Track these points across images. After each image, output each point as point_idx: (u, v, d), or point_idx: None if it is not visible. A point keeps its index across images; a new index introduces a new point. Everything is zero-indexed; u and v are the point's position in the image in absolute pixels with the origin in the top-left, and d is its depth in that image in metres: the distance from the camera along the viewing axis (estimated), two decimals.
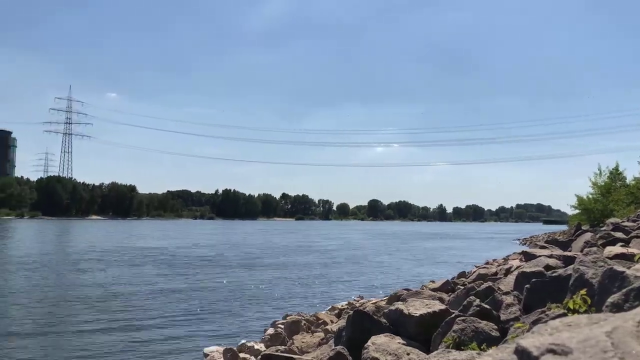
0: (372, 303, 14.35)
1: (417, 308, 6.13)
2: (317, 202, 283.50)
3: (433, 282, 16.55)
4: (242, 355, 10.39)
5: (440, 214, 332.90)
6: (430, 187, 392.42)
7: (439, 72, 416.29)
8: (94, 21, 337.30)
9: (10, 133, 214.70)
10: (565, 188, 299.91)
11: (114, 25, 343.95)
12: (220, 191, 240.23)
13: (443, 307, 6.29)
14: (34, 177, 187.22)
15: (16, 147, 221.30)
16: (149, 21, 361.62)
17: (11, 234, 69.15)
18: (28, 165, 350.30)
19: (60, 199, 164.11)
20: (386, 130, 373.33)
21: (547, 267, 7.32)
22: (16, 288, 22.27)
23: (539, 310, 4.88)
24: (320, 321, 13.13)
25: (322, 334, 10.92)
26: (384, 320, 6.34)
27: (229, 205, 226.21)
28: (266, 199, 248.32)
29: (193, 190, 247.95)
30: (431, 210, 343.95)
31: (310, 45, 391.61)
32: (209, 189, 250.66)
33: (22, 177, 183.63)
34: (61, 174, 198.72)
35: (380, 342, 5.51)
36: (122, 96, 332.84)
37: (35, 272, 27.64)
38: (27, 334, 14.29)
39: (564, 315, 4.11)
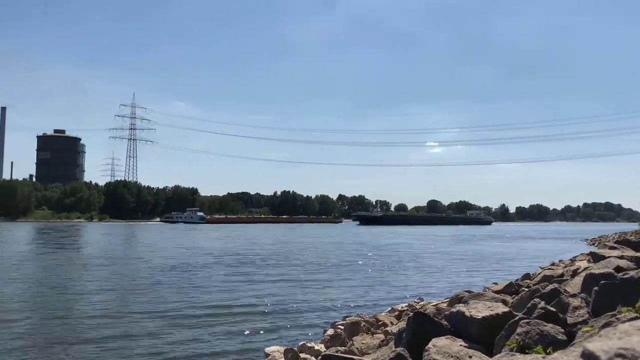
0: (432, 305, 14.17)
1: (479, 310, 6.01)
2: (374, 202, 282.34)
3: (496, 284, 16.14)
4: (302, 355, 10.49)
5: (502, 214, 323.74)
6: (492, 187, 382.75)
7: (499, 72, 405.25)
8: (156, 30, 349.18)
9: (79, 140, 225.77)
10: (638, 186, 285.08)
11: (176, 32, 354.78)
12: (278, 193, 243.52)
13: (506, 309, 6.14)
14: (101, 182, 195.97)
15: (85, 152, 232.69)
16: (209, 28, 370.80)
17: (84, 236, 72.59)
18: (96, 170, 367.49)
19: (126, 202, 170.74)
20: (446, 130, 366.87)
21: (618, 269, 7.01)
22: (92, 281, 23.41)
23: (609, 313, 4.69)
24: (380, 323, 13.07)
25: (382, 336, 10.87)
26: (445, 323, 6.26)
27: (287, 207, 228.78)
28: (323, 200, 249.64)
29: (252, 192, 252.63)
30: (493, 210, 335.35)
31: (368, 48, 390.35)
32: (267, 191, 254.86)
33: (90, 181, 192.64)
34: (127, 178, 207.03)
35: (442, 345, 5.44)
36: (183, 102, 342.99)
37: (109, 270, 28.95)
38: (100, 328, 14.99)
39: (636, 319, 3.94)
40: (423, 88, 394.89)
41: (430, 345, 5.50)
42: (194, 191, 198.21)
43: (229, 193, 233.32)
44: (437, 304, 13.99)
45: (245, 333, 14.95)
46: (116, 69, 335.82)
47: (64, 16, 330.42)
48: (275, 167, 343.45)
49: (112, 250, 46.84)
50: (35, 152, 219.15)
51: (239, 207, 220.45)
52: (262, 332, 15.18)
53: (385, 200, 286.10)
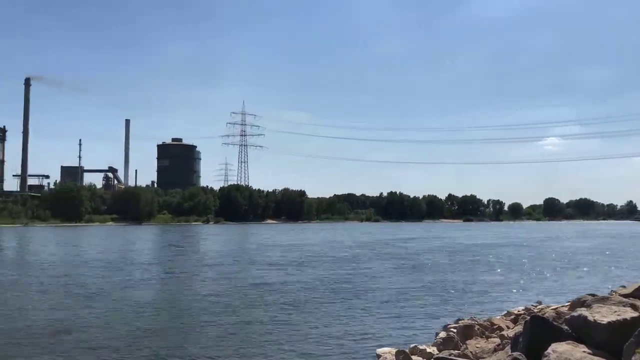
0: (552, 309, 13.44)
1: (604, 315, 5.66)
2: (486, 202, 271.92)
3: (624, 287, 14.96)
4: (414, 357, 10.42)
5: (629, 212, 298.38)
6: (617, 183, 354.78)
7: (620, 64, 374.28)
8: (263, 40, 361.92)
9: (195, 147, 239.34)
10: None
11: (285, 44, 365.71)
12: (385, 194, 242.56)
13: (636, 314, 5.73)
14: (216, 186, 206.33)
15: (200, 159, 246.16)
16: (310, 39, 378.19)
17: (205, 236, 77.04)
18: (211, 175, 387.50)
19: (239, 205, 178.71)
20: (563, 123, 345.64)
21: None
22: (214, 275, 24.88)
23: None
24: (495, 326, 12.64)
25: (497, 340, 10.53)
26: (566, 327, 5.96)
27: (394, 208, 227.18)
28: (431, 201, 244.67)
29: (358, 194, 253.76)
30: (618, 207, 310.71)
31: (475, 47, 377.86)
32: (373, 192, 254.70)
33: (206, 186, 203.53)
34: (239, 182, 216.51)
35: (562, 350, 5.20)
36: (289, 107, 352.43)
37: (225, 267, 30.57)
38: (201, 315, 15.88)
39: None
40: (538, 83, 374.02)
41: (550, 350, 5.28)
42: (302, 193, 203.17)
43: (335, 195, 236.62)
44: (557, 308, 13.25)
45: (357, 333, 15.11)
46: (226, 79, 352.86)
47: (180, 32, 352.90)
48: (380, 168, 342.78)
49: (261, 246, 49.29)
50: (156, 160, 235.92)
51: (345, 209, 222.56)
52: (373, 332, 15.26)
53: (498, 200, 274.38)
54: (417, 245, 59.02)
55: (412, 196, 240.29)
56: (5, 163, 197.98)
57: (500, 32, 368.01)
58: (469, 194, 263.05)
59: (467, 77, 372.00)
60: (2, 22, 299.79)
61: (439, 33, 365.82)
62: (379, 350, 11.72)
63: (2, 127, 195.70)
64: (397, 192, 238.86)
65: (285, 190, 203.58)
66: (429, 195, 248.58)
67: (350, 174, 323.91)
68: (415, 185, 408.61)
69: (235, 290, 23.67)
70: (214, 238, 76.75)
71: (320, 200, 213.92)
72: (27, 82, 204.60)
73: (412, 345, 11.63)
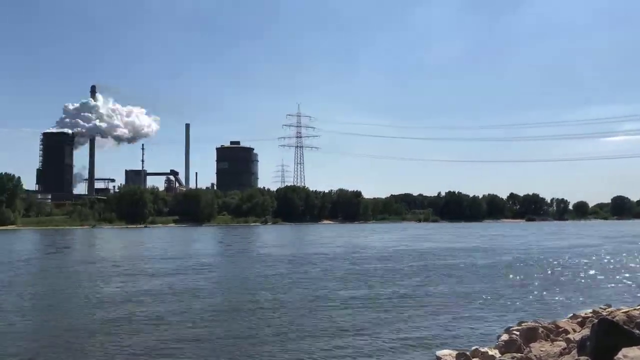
0: (622, 312, 12.86)
1: None
2: (549, 201, 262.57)
3: None
4: None
5: None
6: None
7: None
8: (323, 42, 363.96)
9: (252, 149, 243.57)
10: None
11: (339, 45, 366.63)
12: (443, 193, 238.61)
13: None
14: (273, 187, 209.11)
15: (258, 161, 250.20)
16: (367, 40, 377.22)
17: (261, 236, 78.32)
18: (268, 177, 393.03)
19: (296, 206, 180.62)
20: (632, 118, 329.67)
21: None
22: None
23: None
24: (560, 329, 12.20)
25: (563, 343, 10.16)
26: (638, 332, 5.70)
27: (453, 208, 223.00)
28: (492, 200, 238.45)
29: (415, 194, 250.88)
30: None
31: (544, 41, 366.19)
32: (431, 192, 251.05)
33: (264, 187, 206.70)
34: (295, 183, 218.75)
35: (634, 356, 4.98)
36: (344, 108, 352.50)
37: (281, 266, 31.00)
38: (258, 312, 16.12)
39: None
40: (605, 78, 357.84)
41: (620, 355, 5.07)
42: (357, 194, 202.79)
43: (391, 195, 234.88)
44: (628, 311, 12.67)
45: (416, 335, 14.97)
46: (280, 79, 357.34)
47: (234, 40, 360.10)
48: (439, 168, 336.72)
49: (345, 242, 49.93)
50: (215, 162, 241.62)
51: (402, 209, 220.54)
52: (432, 334, 15.07)
53: (562, 199, 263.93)
54: (500, 246, 57.79)
55: (471, 195, 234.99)
56: (74, 168, 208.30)
57: (563, 30, 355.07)
58: (531, 193, 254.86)
59: (529, 74, 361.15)
60: (70, 32, 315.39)
61: (499, 32, 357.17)
62: (439, 353, 11.55)
63: (71, 133, 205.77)
64: (456, 192, 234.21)
65: (341, 190, 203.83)
66: (489, 194, 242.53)
67: (407, 173, 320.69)
68: (474, 184, 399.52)
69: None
70: (286, 238, 77.89)
71: (376, 201, 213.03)
72: (93, 90, 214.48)
73: (473, 348, 11.40)
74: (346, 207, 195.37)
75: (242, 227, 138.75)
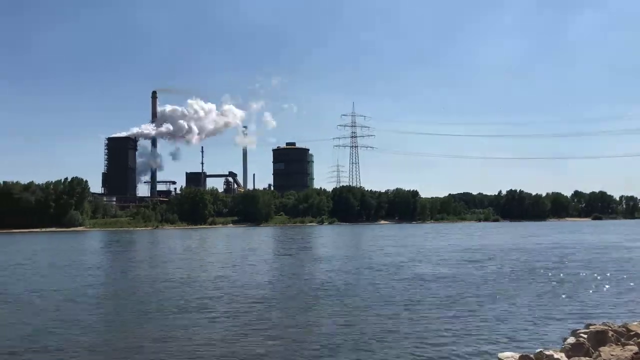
0: None
1: None
2: (617, 199, 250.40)
3: None
4: None
5: None
6: None
7: None
8: (375, 42, 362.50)
9: (307, 150, 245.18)
10: None
11: (405, 47, 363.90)
12: (503, 192, 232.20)
13: None
14: (329, 188, 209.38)
15: (313, 162, 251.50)
16: (426, 38, 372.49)
17: (338, 236, 78.73)
18: (323, 177, 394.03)
19: (352, 206, 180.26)
20: None
21: None
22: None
23: None
24: (632, 333, 11.58)
25: (635, 347, 9.63)
26: None
27: (515, 207, 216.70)
28: (556, 199, 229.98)
29: (474, 192, 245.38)
30: None
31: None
32: (491, 191, 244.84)
33: (320, 188, 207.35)
34: (351, 184, 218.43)
35: None
36: (399, 106, 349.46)
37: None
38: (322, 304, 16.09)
39: None
40: None
41: None
42: (414, 193, 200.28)
43: (450, 194, 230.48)
44: None
45: (478, 336, 14.59)
46: (335, 81, 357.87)
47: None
48: (498, 166, 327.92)
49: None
50: (272, 164, 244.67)
51: (461, 208, 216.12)
52: (495, 336, 14.65)
53: (632, 196, 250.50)
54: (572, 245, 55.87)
55: (534, 194, 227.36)
56: (137, 171, 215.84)
57: (630, 25, 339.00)
58: (597, 191, 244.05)
59: (595, 70, 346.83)
60: (141, 37, 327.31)
61: (565, 30, 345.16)
62: (501, 355, 11.22)
63: (134, 137, 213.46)
64: (517, 190, 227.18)
65: (397, 190, 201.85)
66: (552, 192, 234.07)
67: (466, 172, 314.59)
68: (535, 183, 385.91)
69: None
70: (350, 238, 78.09)
71: (434, 200, 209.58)
72: (154, 95, 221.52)
73: (537, 350, 10.99)
74: (403, 206, 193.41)
75: (302, 227, 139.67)
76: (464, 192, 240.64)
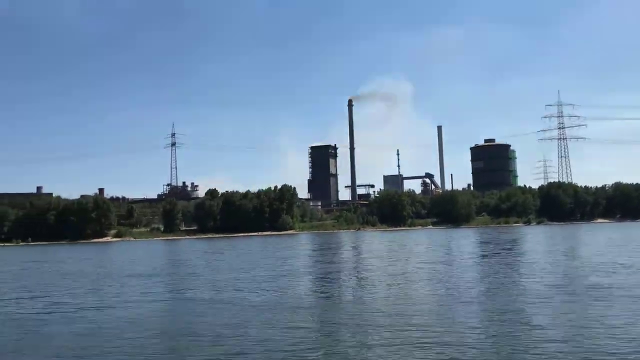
0: None
1: None
2: None
3: None
4: None
5: None
6: None
7: None
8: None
9: (509, 146, 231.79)
10: None
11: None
12: None
13: None
14: (535, 185, 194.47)
15: (515, 158, 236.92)
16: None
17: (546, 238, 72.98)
18: (528, 174, 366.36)
19: (563, 204, 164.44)
20: None
21: None
22: None
23: None
24: None
25: None
26: None
27: None
28: None
29: None
30: None
31: None
32: None
33: (525, 185, 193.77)
34: (560, 179, 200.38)
35: None
36: (610, 89, 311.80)
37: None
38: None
39: None
40: None
41: None
42: (638, 187, 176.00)
43: None
44: None
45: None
46: (537, 70, 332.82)
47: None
48: None
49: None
50: (470, 162, 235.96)
51: None
52: None
53: None
54: None
55: None
56: (338, 177, 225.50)
57: None
58: None
59: None
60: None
61: None
62: None
63: (334, 145, 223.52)
64: None
65: (618, 184, 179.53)
66: None
67: None
68: None
69: None
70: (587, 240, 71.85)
71: None
72: (350, 103, 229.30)
73: None
74: (626, 203, 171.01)
75: (506, 228, 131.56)
76: None
